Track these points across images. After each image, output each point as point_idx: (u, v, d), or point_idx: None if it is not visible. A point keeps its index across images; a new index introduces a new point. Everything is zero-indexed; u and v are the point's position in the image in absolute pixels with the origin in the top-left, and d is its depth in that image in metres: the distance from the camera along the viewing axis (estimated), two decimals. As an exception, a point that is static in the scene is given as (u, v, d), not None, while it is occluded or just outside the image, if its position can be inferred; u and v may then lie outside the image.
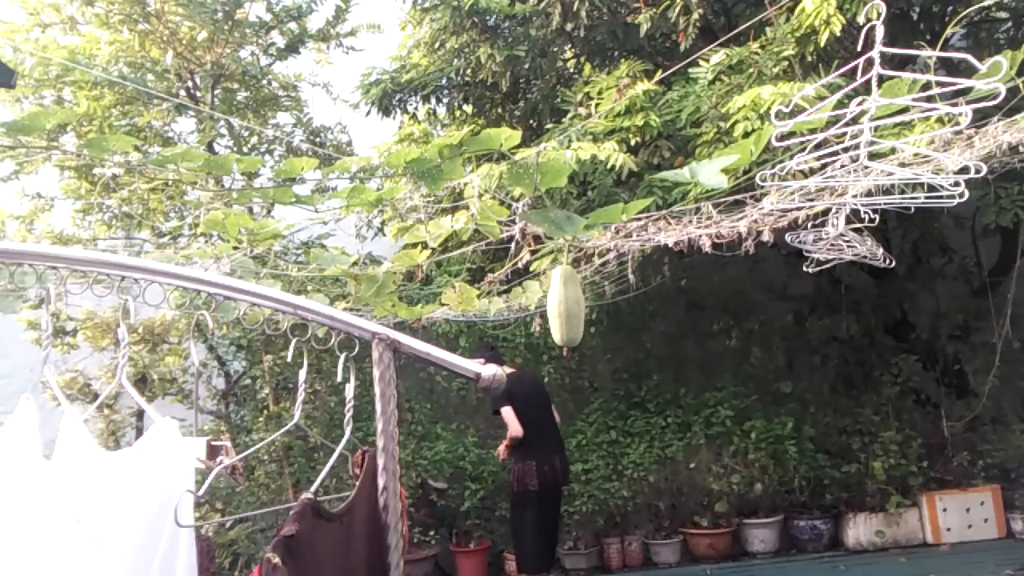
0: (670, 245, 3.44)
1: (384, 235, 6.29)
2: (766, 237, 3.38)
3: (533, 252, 2.91)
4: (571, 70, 6.41)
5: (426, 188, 2.12)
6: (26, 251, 1.33)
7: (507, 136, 1.77)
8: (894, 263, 4.12)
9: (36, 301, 4.63)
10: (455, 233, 2.58)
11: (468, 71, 6.03)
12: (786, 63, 4.18)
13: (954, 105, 1.79)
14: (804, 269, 4.28)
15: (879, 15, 1.62)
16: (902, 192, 2.79)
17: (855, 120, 1.93)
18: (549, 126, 5.03)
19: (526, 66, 5.73)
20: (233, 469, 1.57)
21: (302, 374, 1.51)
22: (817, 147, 2.11)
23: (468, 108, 6.62)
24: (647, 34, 4.92)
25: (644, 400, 6.86)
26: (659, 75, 4.20)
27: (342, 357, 1.50)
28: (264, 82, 6.34)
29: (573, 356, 6.66)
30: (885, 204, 2.86)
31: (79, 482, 1.28)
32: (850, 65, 1.73)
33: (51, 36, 5.73)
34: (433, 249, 2.67)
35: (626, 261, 3.94)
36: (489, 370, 1.46)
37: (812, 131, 2.02)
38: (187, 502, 1.29)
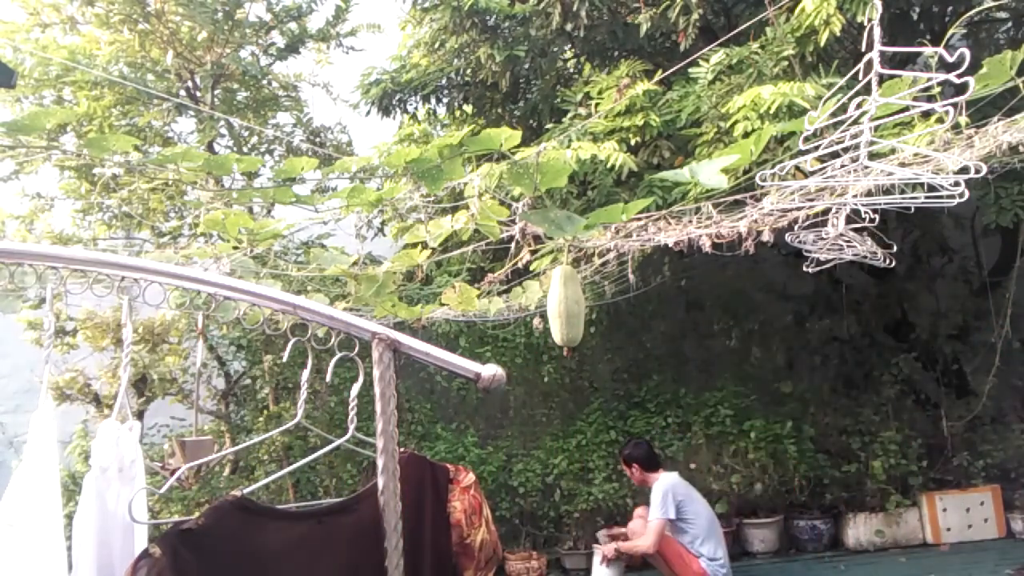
0: (670, 245, 3.44)
1: (384, 235, 6.29)
2: (766, 237, 3.37)
3: (533, 252, 2.91)
4: (571, 70, 6.41)
5: (426, 188, 2.12)
6: (26, 251, 1.33)
7: (507, 136, 1.77)
8: (894, 263, 4.12)
9: (36, 301, 4.64)
10: (455, 233, 2.58)
11: (468, 71, 6.03)
12: (786, 63, 4.17)
13: (954, 107, 1.79)
14: (804, 269, 4.28)
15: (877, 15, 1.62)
16: (902, 192, 2.79)
17: (855, 120, 1.93)
18: (549, 126, 5.02)
19: (526, 66, 5.73)
20: (173, 472, 1.59)
21: (304, 374, 1.51)
22: (817, 146, 2.11)
23: (468, 108, 6.62)
24: (647, 34, 4.92)
25: (644, 400, 6.86)
26: (659, 75, 4.20)
27: (332, 360, 1.49)
28: (264, 82, 6.34)
29: (573, 356, 6.66)
30: (885, 204, 2.86)
31: (16, 486, 1.30)
32: (851, 73, 1.73)
33: (51, 36, 5.72)
34: (433, 249, 2.67)
35: (626, 261, 3.94)
36: (489, 370, 1.46)
37: (815, 135, 2.02)
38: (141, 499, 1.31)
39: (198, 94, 6.01)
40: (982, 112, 2.77)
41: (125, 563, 1.25)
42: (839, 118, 1.96)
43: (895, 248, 3.62)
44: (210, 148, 5.95)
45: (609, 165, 4.04)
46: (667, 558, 4.57)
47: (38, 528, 1.28)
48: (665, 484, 4.63)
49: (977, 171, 2.26)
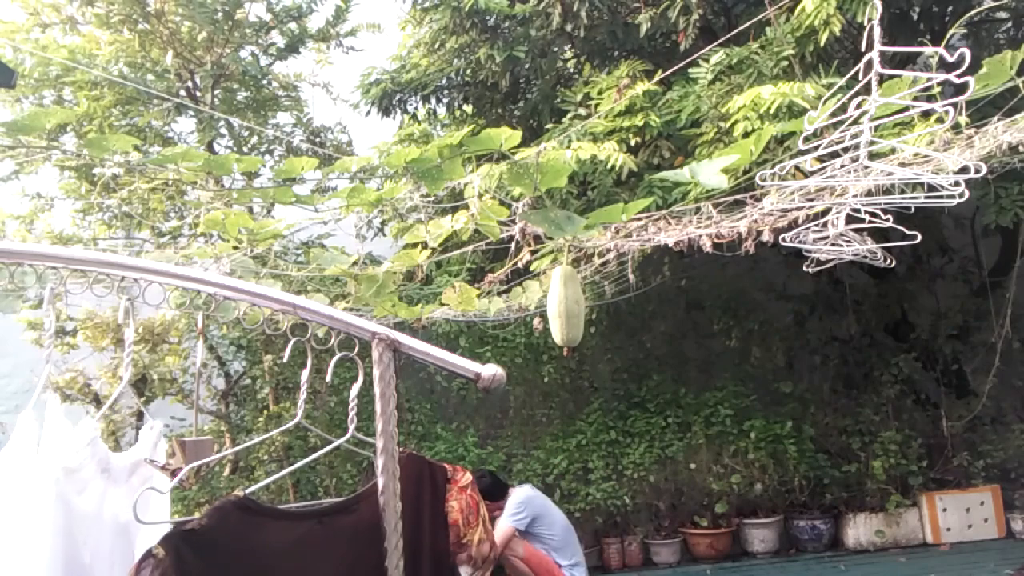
0: (670, 245, 3.44)
1: (384, 235, 6.29)
2: (766, 237, 3.37)
3: (533, 252, 2.91)
4: (571, 70, 6.41)
5: (426, 188, 2.12)
6: (26, 251, 1.33)
7: (507, 136, 1.77)
8: (894, 263, 4.12)
9: (36, 301, 4.64)
10: (455, 233, 2.58)
11: (468, 71, 6.03)
12: (786, 63, 4.18)
13: (954, 107, 1.79)
14: (804, 269, 4.27)
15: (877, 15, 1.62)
16: (902, 192, 2.79)
17: (855, 120, 1.93)
18: (549, 126, 5.02)
19: (526, 66, 5.73)
20: (174, 473, 1.59)
21: (304, 374, 1.51)
22: (817, 146, 2.11)
23: (468, 108, 6.62)
24: (647, 34, 4.92)
25: (644, 400, 6.86)
26: (659, 75, 4.20)
27: (332, 360, 1.49)
28: (264, 82, 6.33)
29: (573, 356, 6.66)
30: (885, 204, 2.86)
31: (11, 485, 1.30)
32: (851, 73, 1.73)
33: (51, 36, 5.72)
34: (433, 249, 2.67)
35: (626, 261, 3.94)
36: (489, 370, 1.46)
37: (815, 135, 2.02)
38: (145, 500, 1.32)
39: (198, 94, 6.01)
40: (982, 112, 2.77)
41: (126, 564, 1.25)
42: (839, 118, 1.96)
43: (919, 238, 3.60)
44: (210, 148, 5.94)
45: (609, 165, 4.04)
46: (534, 570, 4.55)
47: (24, 529, 1.28)
48: (521, 496, 4.60)
49: (977, 171, 2.26)
